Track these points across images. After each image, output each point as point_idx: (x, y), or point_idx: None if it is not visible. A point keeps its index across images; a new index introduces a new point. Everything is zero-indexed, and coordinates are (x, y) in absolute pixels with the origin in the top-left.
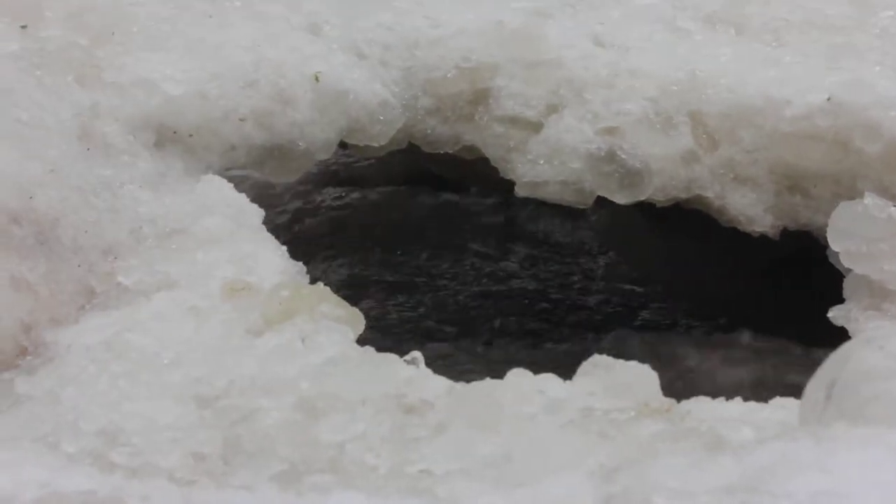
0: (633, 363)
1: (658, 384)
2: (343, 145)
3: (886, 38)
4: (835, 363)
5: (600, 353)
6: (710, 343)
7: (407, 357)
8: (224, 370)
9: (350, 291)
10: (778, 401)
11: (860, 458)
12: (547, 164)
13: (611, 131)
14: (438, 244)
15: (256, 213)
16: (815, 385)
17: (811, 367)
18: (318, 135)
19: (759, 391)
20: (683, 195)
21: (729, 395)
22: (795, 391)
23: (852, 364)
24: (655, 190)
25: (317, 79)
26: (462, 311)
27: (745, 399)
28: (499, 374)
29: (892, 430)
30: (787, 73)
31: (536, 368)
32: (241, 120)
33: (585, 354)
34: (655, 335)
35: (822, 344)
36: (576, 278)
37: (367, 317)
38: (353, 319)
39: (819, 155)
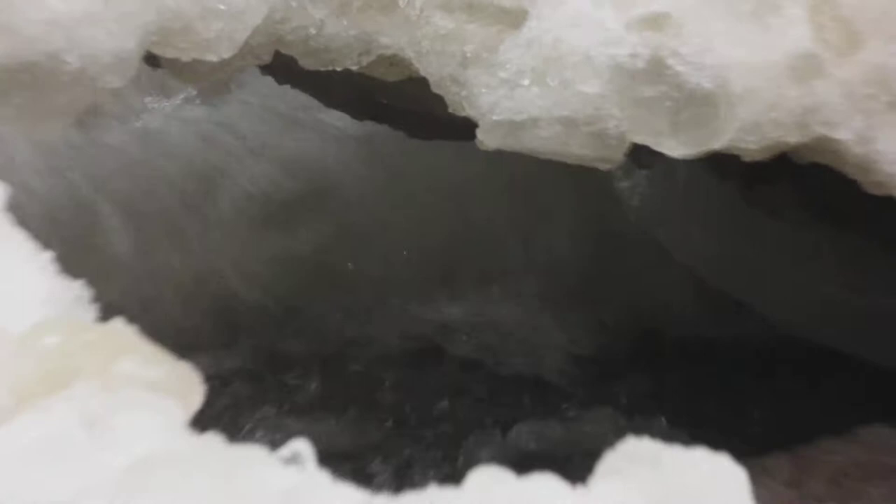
0: (701, 451)
1: (749, 490)
2: (152, 61)
3: None
4: None
5: (637, 434)
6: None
7: (284, 451)
8: None
9: None
10: None
11: None
12: (536, 86)
13: (656, 22)
14: None
15: None
16: None
17: None
18: (102, 42)
19: None
20: (794, 139)
21: None
22: None
23: None
24: (741, 130)
25: None
26: None
27: None
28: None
29: None
30: None
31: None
32: None
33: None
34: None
35: None
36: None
37: None
38: (182, 385)
39: None
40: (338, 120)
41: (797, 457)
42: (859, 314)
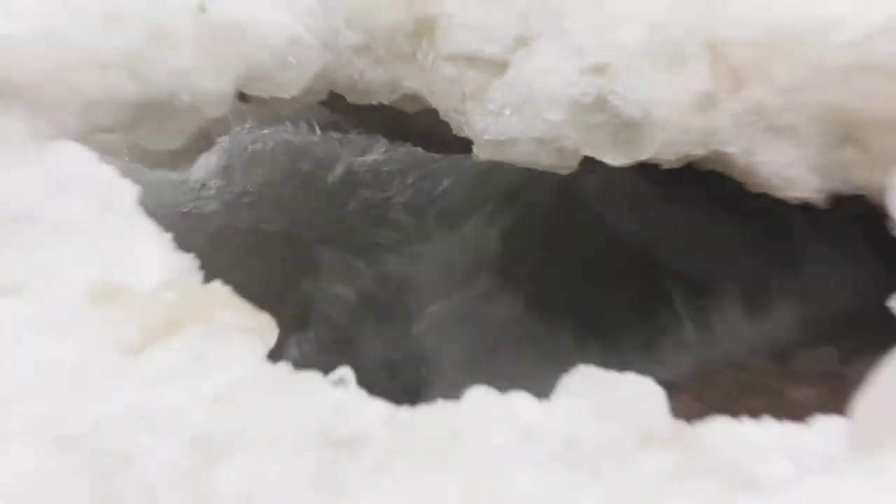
0: (632, 375)
1: (666, 403)
2: (242, 98)
3: None
4: None
5: (586, 362)
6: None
7: (333, 376)
8: (92, 401)
9: None
10: (822, 422)
11: None
12: (515, 115)
13: (600, 70)
14: None
15: (130, 190)
16: (872, 399)
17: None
18: (206, 85)
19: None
20: (698, 152)
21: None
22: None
23: None
24: (661, 146)
25: (202, 8)
26: None
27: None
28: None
29: None
30: None
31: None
32: (103, 67)
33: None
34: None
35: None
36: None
37: None
38: (262, 329)
39: (881, 94)
40: None
41: (700, 379)
42: (751, 275)
